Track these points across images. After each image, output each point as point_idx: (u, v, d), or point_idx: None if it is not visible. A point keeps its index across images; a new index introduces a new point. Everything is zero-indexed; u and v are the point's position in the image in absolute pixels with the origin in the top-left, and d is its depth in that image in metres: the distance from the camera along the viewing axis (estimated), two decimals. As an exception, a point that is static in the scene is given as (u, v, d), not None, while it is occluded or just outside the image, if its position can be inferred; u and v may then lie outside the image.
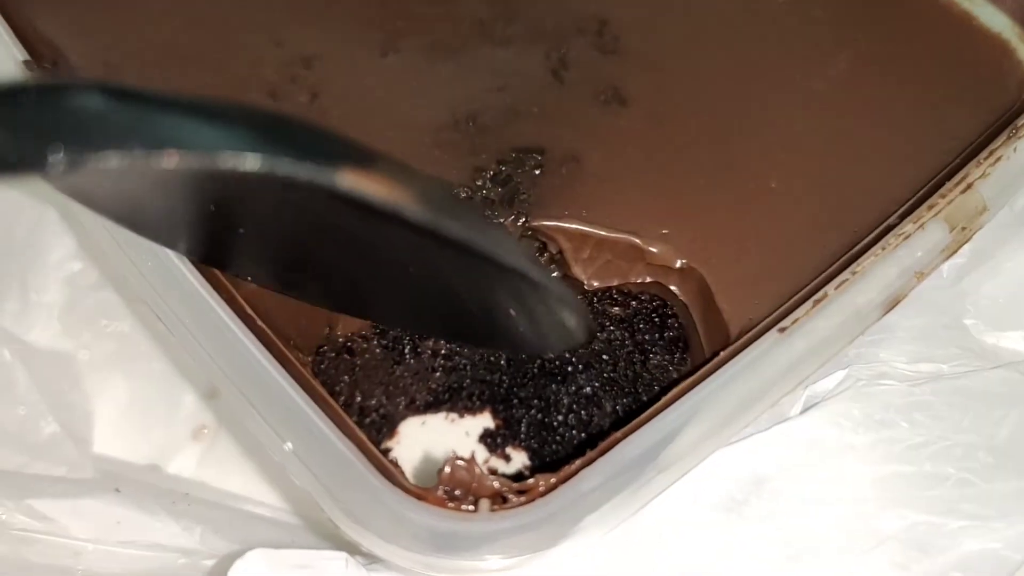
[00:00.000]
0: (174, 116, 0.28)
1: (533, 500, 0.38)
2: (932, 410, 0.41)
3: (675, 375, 0.51)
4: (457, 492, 0.39)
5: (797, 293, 0.44)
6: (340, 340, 0.52)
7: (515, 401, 0.57)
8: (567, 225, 0.47)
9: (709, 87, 0.52)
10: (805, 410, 0.42)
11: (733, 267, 0.47)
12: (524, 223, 0.47)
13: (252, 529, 0.53)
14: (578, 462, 0.39)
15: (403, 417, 0.58)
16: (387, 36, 0.53)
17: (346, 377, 0.54)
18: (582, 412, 0.54)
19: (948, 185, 0.44)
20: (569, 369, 0.54)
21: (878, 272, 0.41)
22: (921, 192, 0.46)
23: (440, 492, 0.38)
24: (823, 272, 0.45)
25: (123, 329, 0.59)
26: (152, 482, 0.55)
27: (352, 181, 0.29)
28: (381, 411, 0.57)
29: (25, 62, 0.46)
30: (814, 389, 0.43)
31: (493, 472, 0.50)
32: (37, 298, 0.59)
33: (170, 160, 0.26)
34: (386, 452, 0.57)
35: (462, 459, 0.39)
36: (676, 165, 0.50)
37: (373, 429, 0.57)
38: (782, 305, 0.44)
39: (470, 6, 0.55)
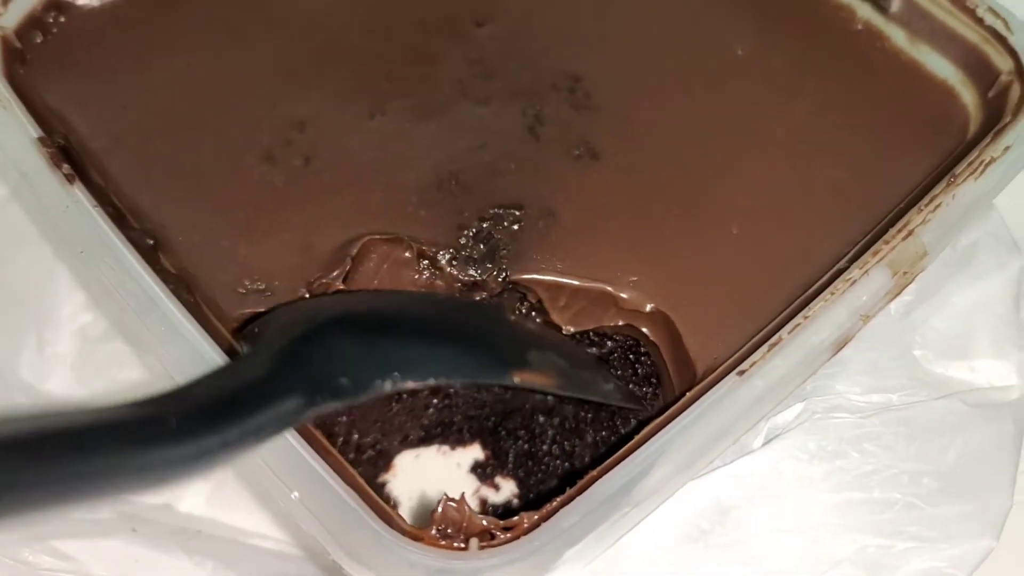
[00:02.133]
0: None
1: (518, 537, 0.41)
2: (881, 440, 0.45)
3: (649, 408, 0.54)
4: (449, 530, 0.42)
5: (757, 334, 0.48)
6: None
7: (503, 433, 0.60)
8: (544, 277, 0.51)
9: (676, 137, 0.56)
10: (766, 443, 0.45)
11: (698, 310, 0.51)
12: (504, 277, 0.51)
13: (261, 562, 0.56)
14: (558, 500, 0.42)
15: (398, 451, 0.62)
16: (374, 98, 0.57)
17: (344, 417, 0.58)
18: (565, 443, 0.58)
19: (891, 232, 0.47)
20: (551, 402, 0.58)
21: (827, 316, 0.45)
22: (870, 235, 0.50)
23: (434, 531, 0.42)
24: (781, 313, 0.49)
25: (133, 377, 0.62)
26: (166, 521, 0.58)
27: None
28: (377, 447, 0.60)
29: (39, 139, 0.50)
30: (775, 421, 0.47)
31: (484, 503, 0.54)
32: (52, 350, 0.62)
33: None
34: (383, 485, 0.61)
35: (453, 500, 0.43)
36: (645, 215, 0.53)
37: (370, 464, 0.61)
38: (744, 344, 0.48)
39: (450, 66, 0.59)
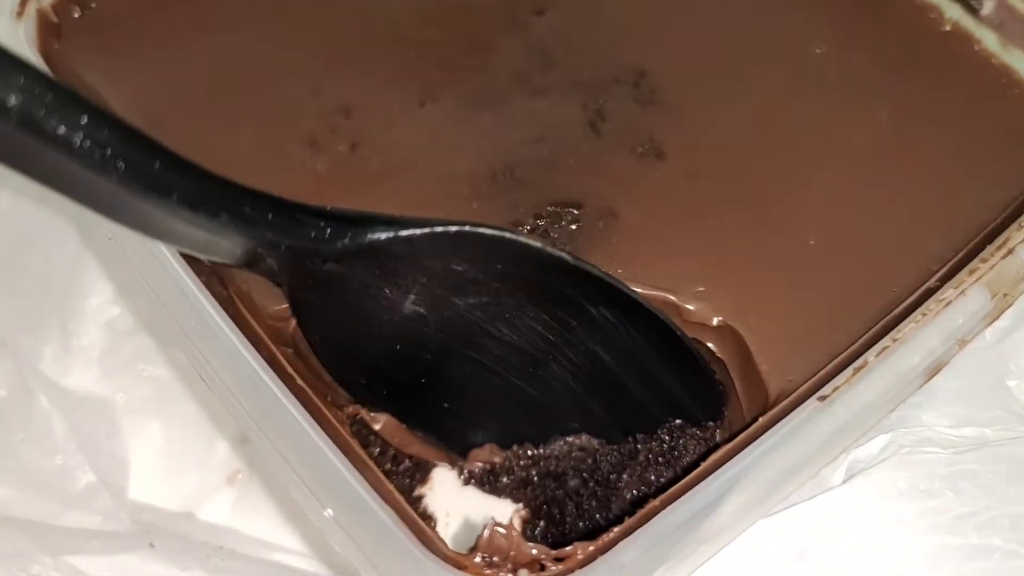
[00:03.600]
0: None
1: (572, 570, 0.37)
2: (978, 479, 0.41)
3: (715, 435, 0.50)
4: (495, 559, 0.39)
5: (837, 355, 0.44)
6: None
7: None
8: (604, 283, 0.47)
9: (747, 139, 0.52)
10: (848, 478, 0.41)
11: (772, 327, 0.46)
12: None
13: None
14: (616, 531, 0.38)
15: (435, 464, 0.58)
16: (424, 86, 0.54)
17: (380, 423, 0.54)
18: (623, 468, 0.53)
19: (989, 249, 0.43)
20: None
21: (919, 339, 0.40)
22: (962, 253, 0.46)
23: (478, 559, 0.38)
24: (863, 335, 0.44)
25: (160, 374, 0.59)
26: (186, 533, 0.55)
27: None
28: (414, 458, 0.57)
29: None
30: (856, 455, 0.43)
31: (528, 526, 0.50)
32: (77, 342, 0.59)
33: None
34: (419, 500, 0.57)
35: (501, 525, 0.39)
36: (713, 221, 0.49)
37: (407, 476, 0.57)
38: (822, 367, 0.44)
39: (507, 55, 0.55)
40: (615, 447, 0.50)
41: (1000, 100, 0.53)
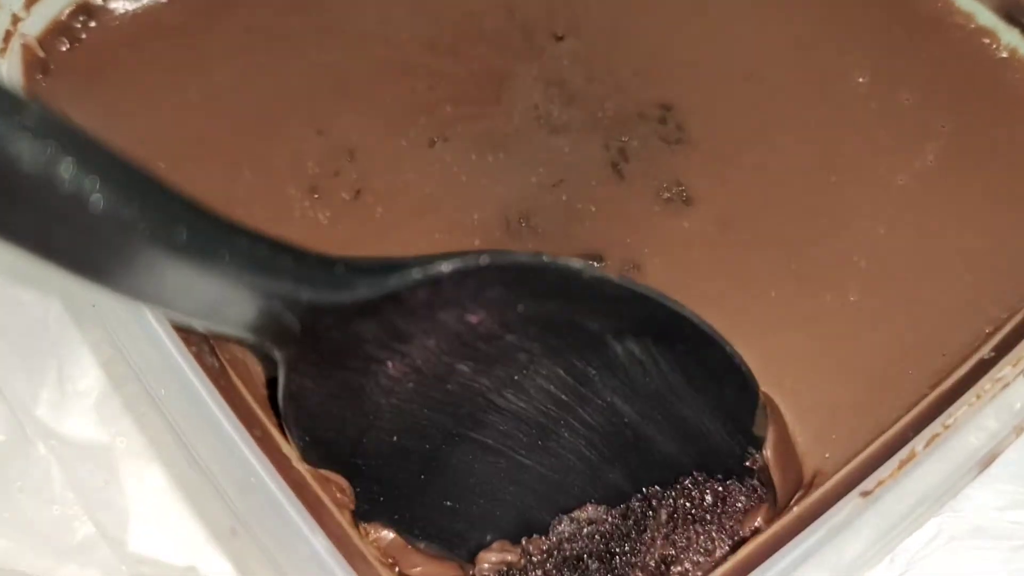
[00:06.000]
0: None
1: None
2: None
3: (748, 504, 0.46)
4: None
5: (880, 431, 0.40)
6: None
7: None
8: (626, 346, 0.44)
9: (782, 181, 0.48)
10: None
11: (808, 395, 0.43)
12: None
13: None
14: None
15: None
16: (434, 123, 0.50)
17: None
18: (642, 554, 0.50)
19: (1052, 317, 0.39)
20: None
21: (973, 426, 0.37)
22: (1020, 317, 0.42)
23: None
24: (909, 408, 0.41)
25: (160, 423, 0.56)
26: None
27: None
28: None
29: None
30: (904, 543, 0.39)
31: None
32: (73, 387, 0.57)
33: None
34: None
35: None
36: (744, 274, 0.46)
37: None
38: (864, 446, 0.40)
39: (524, 87, 0.52)
40: (625, 511, 0.45)
41: (1061, 138, 0.49)
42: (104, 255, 0.27)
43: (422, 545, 0.43)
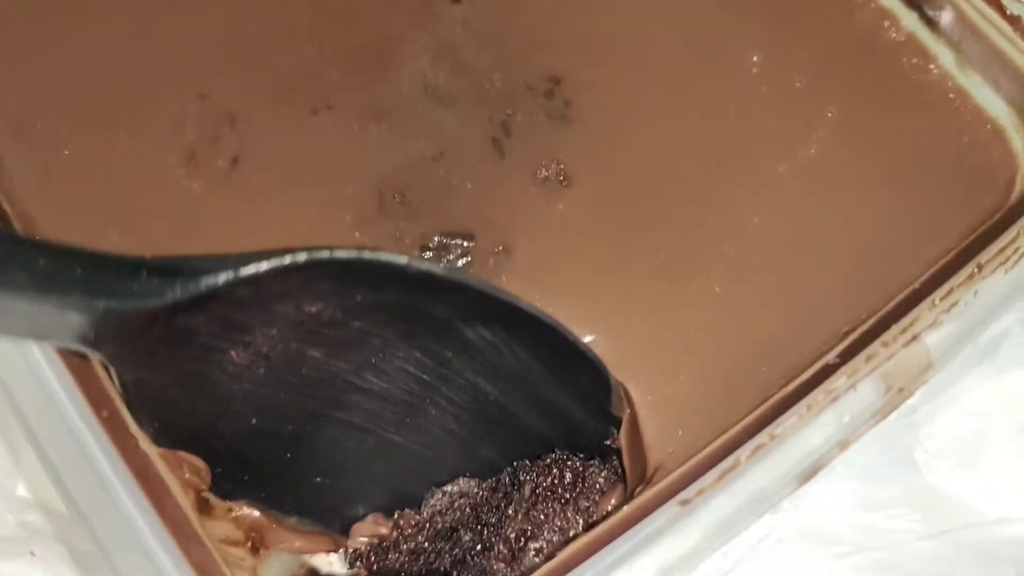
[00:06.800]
0: None
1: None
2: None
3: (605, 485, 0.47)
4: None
5: (723, 432, 0.41)
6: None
7: None
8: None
9: (663, 165, 0.48)
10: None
11: (660, 387, 0.44)
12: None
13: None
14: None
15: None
16: (320, 90, 0.49)
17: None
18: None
19: (893, 331, 0.39)
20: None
21: (798, 439, 0.37)
22: (872, 321, 0.42)
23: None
24: (753, 410, 0.41)
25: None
26: (72, 540, 0.53)
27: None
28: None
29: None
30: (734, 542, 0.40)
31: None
32: None
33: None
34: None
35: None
36: (613, 261, 0.46)
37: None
38: (708, 443, 0.41)
39: (415, 54, 0.51)
40: (495, 485, 0.46)
41: (949, 131, 0.48)
42: None
43: (293, 520, 0.44)
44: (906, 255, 0.45)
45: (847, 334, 0.42)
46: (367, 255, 0.36)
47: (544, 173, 0.48)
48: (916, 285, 0.43)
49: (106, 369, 0.39)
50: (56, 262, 0.31)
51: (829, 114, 0.48)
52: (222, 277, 0.34)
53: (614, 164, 0.48)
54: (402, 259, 0.36)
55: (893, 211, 0.46)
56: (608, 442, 0.43)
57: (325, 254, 0.35)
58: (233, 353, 0.38)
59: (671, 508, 0.37)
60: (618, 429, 0.43)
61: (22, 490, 0.55)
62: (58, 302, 0.31)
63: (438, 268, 0.37)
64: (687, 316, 0.45)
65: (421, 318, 0.39)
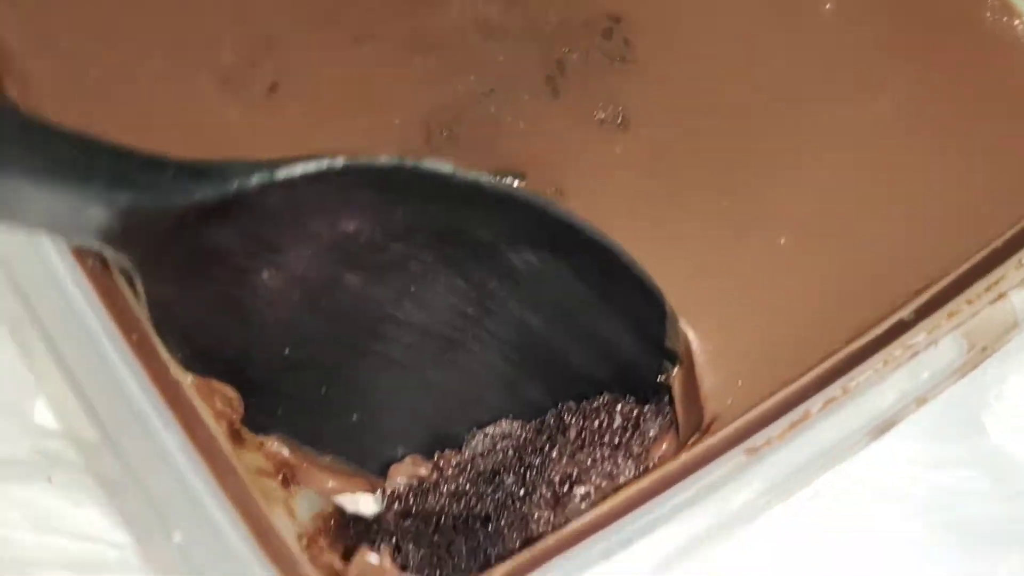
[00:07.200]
0: None
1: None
2: (920, 547, 0.36)
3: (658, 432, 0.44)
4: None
5: (786, 385, 0.39)
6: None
7: None
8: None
9: (725, 113, 0.45)
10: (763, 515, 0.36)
11: (720, 337, 0.41)
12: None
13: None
14: (500, 571, 0.34)
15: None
16: (363, 17, 0.47)
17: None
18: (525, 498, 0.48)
19: (977, 287, 0.37)
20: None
21: (873, 394, 0.35)
22: (949, 280, 0.40)
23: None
24: (820, 363, 0.39)
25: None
26: (90, 467, 0.52)
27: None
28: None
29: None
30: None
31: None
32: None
33: None
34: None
35: (374, 552, 0.35)
36: (672, 207, 0.43)
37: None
38: (768, 398, 0.38)
39: (465, -14, 0.48)
40: (540, 426, 0.44)
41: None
42: None
43: (328, 459, 0.42)
44: (985, 216, 0.42)
45: (919, 292, 0.40)
46: (409, 162, 0.33)
47: (601, 115, 0.45)
48: (998, 244, 0.40)
49: (133, 288, 0.37)
50: (78, 149, 0.29)
51: (905, 70, 0.46)
52: (254, 179, 0.32)
53: (675, 109, 0.45)
54: (447, 167, 0.34)
55: (973, 170, 0.44)
56: (662, 378, 0.41)
57: (364, 160, 0.33)
58: (265, 275, 0.36)
59: (736, 456, 0.35)
60: (673, 364, 0.41)
61: (39, 417, 0.53)
62: (79, 192, 0.29)
63: (485, 178, 0.35)
64: (748, 267, 0.42)
65: (464, 241, 0.37)
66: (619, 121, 0.45)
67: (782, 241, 0.43)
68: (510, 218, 0.36)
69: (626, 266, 0.38)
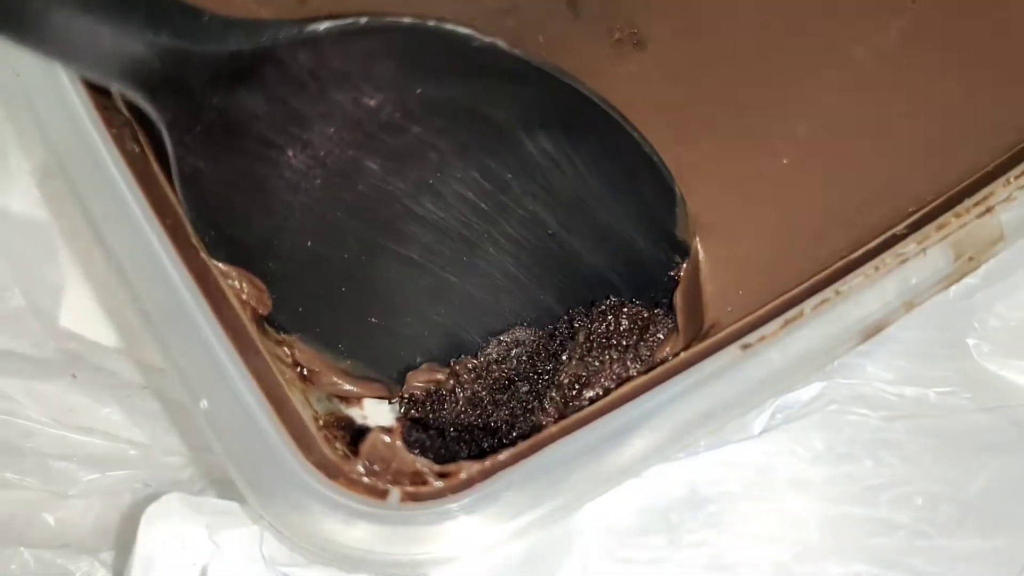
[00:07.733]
0: None
1: (455, 489, 0.36)
2: (902, 451, 0.38)
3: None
4: (376, 467, 0.37)
5: (784, 292, 0.40)
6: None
7: None
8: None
9: (739, 39, 0.47)
10: (765, 430, 0.38)
11: (723, 247, 0.43)
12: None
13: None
14: (506, 455, 0.36)
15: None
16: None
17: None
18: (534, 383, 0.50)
19: (966, 203, 0.39)
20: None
21: (863, 296, 0.37)
22: (941, 199, 0.41)
23: (360, 467, 0.36)
24: (817, 273, 0.41)
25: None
26: (113, 370, 0.54)
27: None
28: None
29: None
30: (786, 401, 0.40)
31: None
32: (18, 163, 0.56)
33: None
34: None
35: (387, 431, 0.37)
36: (684, 126, 0.45)
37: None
38: (766, 303, 0.40)
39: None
40: (552, 333, 0.45)
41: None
42: None
43: (347, 364, 0.44)
44: (978, 144, 0.44)
45: (913, 212, 0.42)
46: (430, 23, 0.36)
47: (617, 35, 0.47)
48: (989, 168, 0.42)
49: (168, 175, 0.39)
50: None
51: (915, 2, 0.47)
52: (283, 33, 0.34)
53: (689, 32, 0.47)
54: (466, 29, 0.36)
55: (969, 101, 0.45)
56: (672, 272, 0.43)
57: (387, 19, 0.35)
58: (290, 152, 0.38)
59: (732, 351, 0.37)
60: (683, 257, 0.43)
61: (65, 320, 0.55)
62: (122, 25, 0.32)
63: (503, 42, 0.36)
64: (753, 184, 0.44)
65: (480, 125, 0.39)
66: (635, 42, 0.46)
67: (785, 161, 0.45)
68: (525, 92, 0.38)
69: (636, 144, 0.40)
